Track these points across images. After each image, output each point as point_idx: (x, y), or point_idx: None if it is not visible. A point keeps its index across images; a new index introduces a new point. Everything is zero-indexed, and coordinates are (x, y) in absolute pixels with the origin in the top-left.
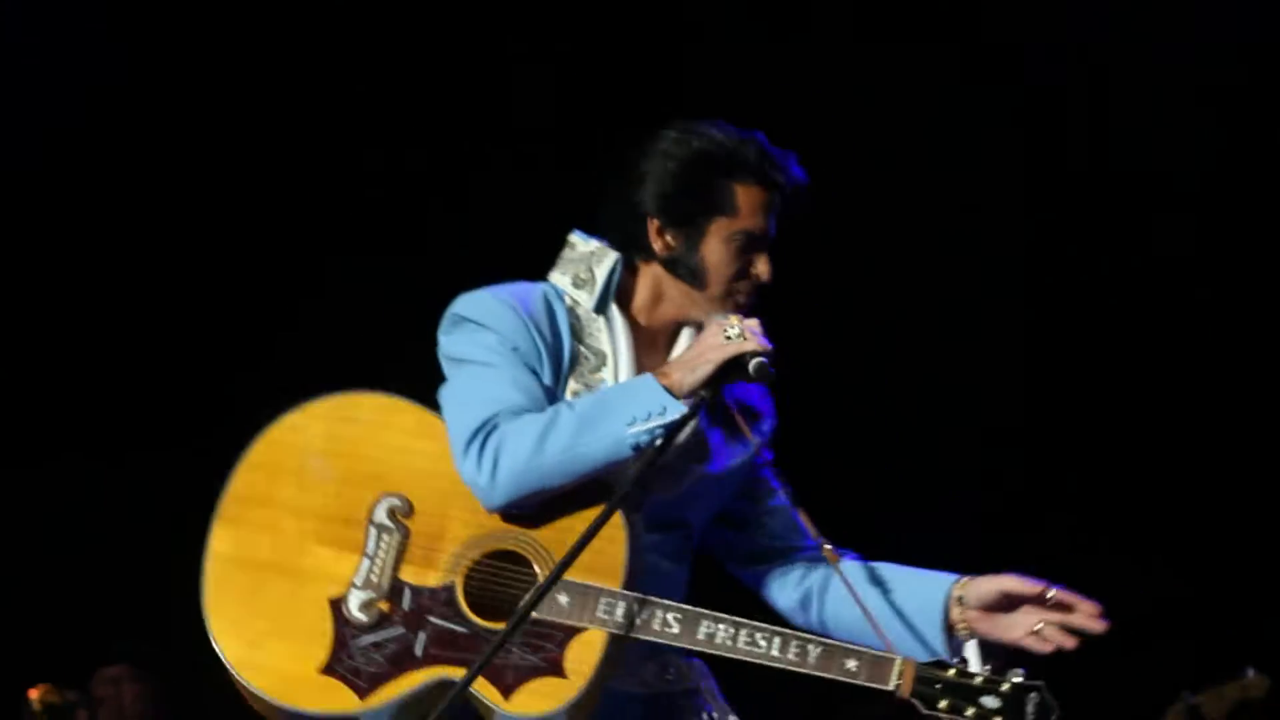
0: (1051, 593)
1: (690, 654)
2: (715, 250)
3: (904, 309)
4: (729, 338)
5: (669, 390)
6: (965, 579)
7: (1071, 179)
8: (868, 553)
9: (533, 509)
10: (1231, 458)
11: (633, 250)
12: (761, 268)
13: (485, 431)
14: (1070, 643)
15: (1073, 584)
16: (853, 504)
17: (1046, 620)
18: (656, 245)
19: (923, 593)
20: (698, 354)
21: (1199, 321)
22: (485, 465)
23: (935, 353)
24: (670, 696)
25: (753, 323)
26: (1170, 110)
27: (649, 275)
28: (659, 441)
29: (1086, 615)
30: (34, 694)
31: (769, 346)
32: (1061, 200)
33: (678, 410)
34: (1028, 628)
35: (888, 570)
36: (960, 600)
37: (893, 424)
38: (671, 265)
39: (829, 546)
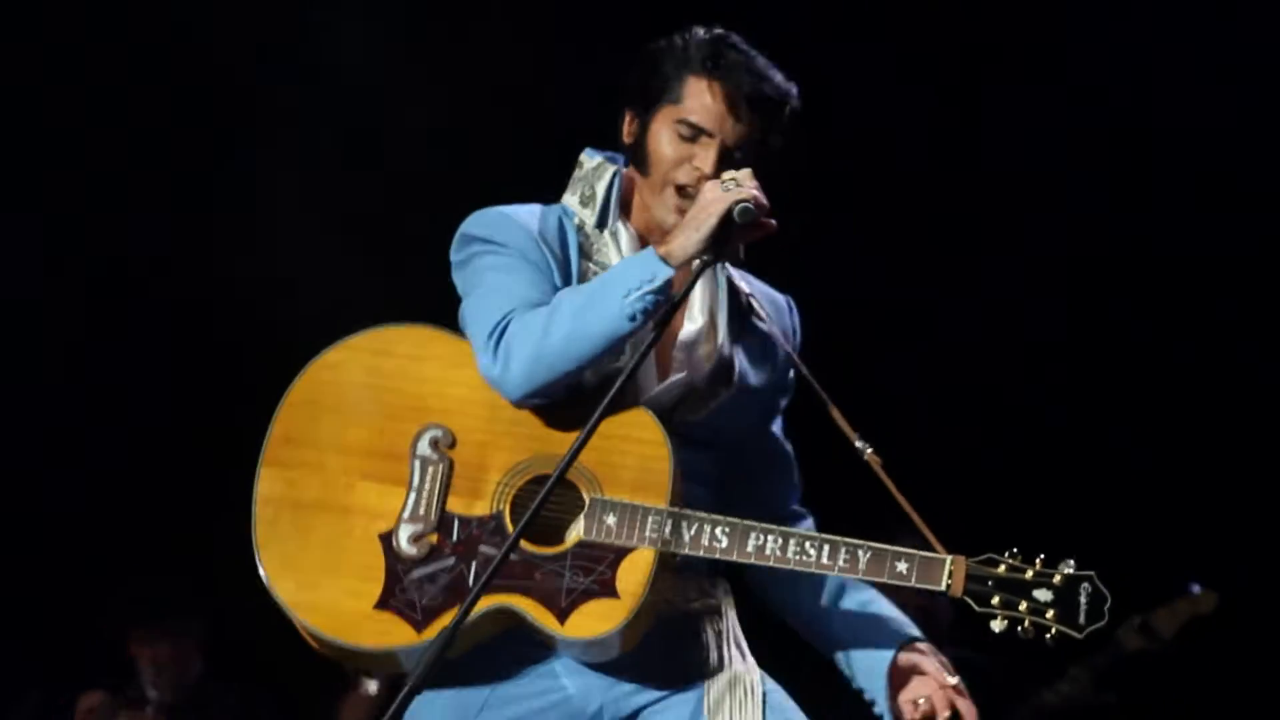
0: (953, 681)
1: (714, 573)
2: (658, 135)
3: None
4: (726, 190)
5: (665, 258)
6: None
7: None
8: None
9: (568, 423)
10: (1181, 389)
11: (621, 149)
12: (703, 162)
13: (501, 326)
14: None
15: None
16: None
17: (932, 698)
18: (625, 134)
19: (876, 639)
20: (697, 210)
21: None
22: (500, 358)
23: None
24: (693, 615)
25: (746, 173)
26: None
27: (637, 180)
28: (658, 309)
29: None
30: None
31: (758, 195)
32: None
33: (667, 274)
34: (912, 695)
35: (851, 596)
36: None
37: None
38: (632, 154)
39: (870, 451)
